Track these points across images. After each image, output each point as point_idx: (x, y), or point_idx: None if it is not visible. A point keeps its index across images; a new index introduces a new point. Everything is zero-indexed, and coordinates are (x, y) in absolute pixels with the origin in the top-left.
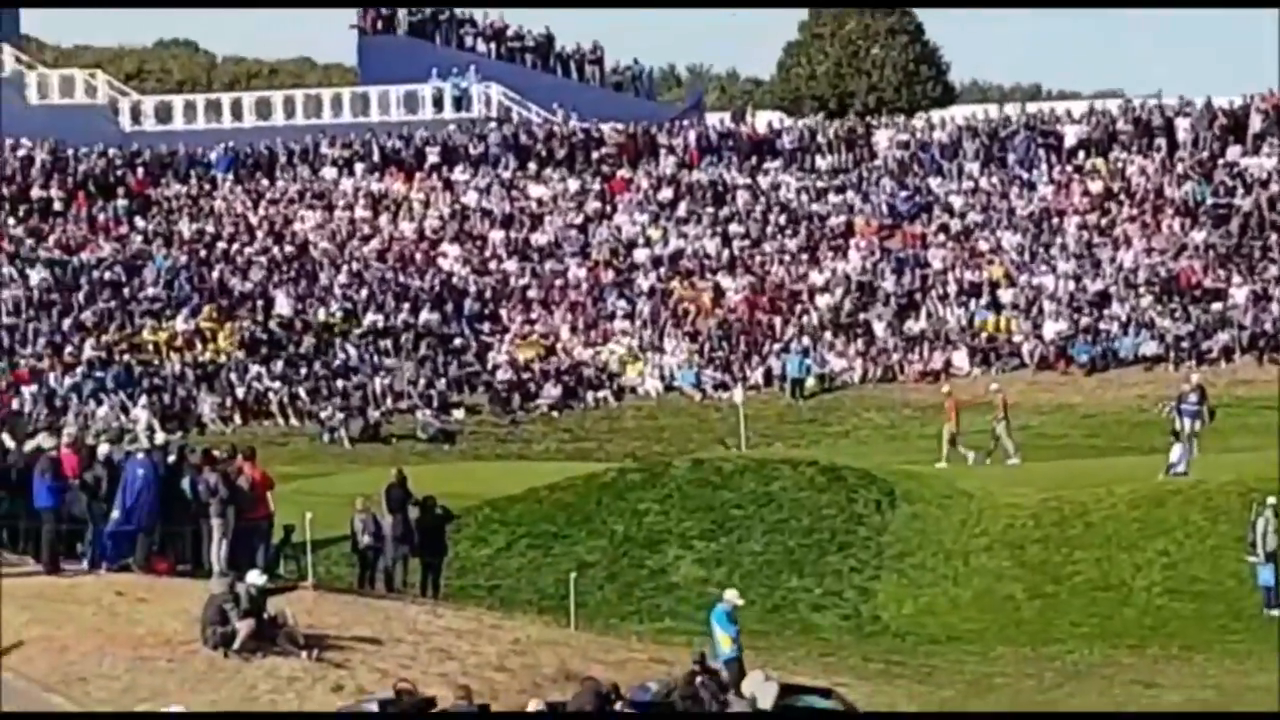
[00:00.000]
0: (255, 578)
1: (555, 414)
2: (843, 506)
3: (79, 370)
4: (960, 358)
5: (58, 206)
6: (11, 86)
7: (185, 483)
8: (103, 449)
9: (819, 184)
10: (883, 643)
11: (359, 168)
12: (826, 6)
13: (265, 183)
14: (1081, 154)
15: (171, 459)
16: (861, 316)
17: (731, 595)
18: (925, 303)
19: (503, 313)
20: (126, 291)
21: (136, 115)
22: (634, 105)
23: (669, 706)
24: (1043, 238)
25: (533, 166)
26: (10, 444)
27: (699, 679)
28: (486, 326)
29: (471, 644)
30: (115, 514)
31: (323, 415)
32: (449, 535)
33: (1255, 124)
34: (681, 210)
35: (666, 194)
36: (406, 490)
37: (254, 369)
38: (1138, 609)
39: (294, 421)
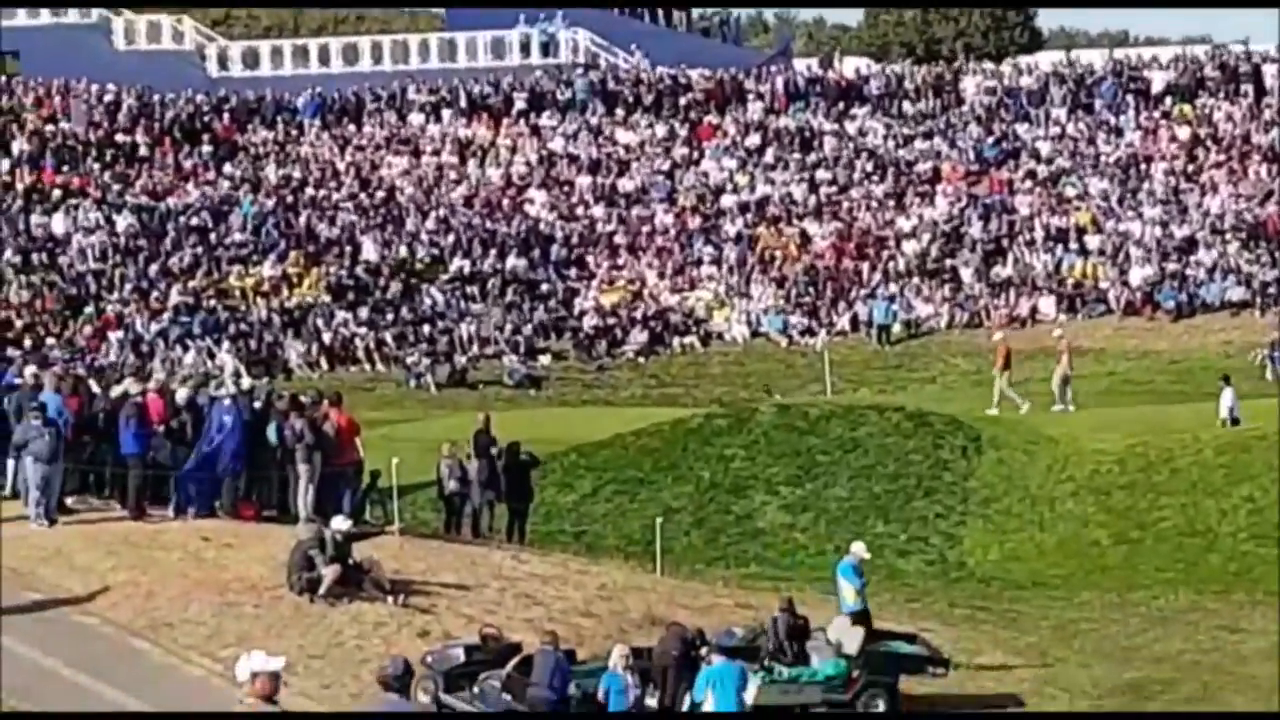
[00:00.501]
0: (341, 523)
1: (641, 360)
2: (928, 452)
3: (165, 316)
4: (1047, 304)
5: (144, 152)
6: (98, 32)
7: (271, 428)
8: (188, 394)
9: (906, 130)
10: (968, 588)
11: (446, 113)
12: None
13: (352, 128)
14: (1168, 100)
15: (258, 405)
16: (948, 263)
17: (859, 548)
18: (1012, 249)
19: (589, 258)
20: (213, 237)
21: (223, 61)
22: (721, 51)
23: (754, 650)
24: (1129, 184)
25: (620, 112)
26: (96, 390)
27: (783, 621)
28: (573, 272)
29: (557, 589)
30: (201, 460)
31: (409, 361)
32: (534, 481)
33: None
34: (769, 156)
35: (754, 140)
36: (491, 436)
37: (340, 314)
38: (1223, 555)
39: (380, 367)
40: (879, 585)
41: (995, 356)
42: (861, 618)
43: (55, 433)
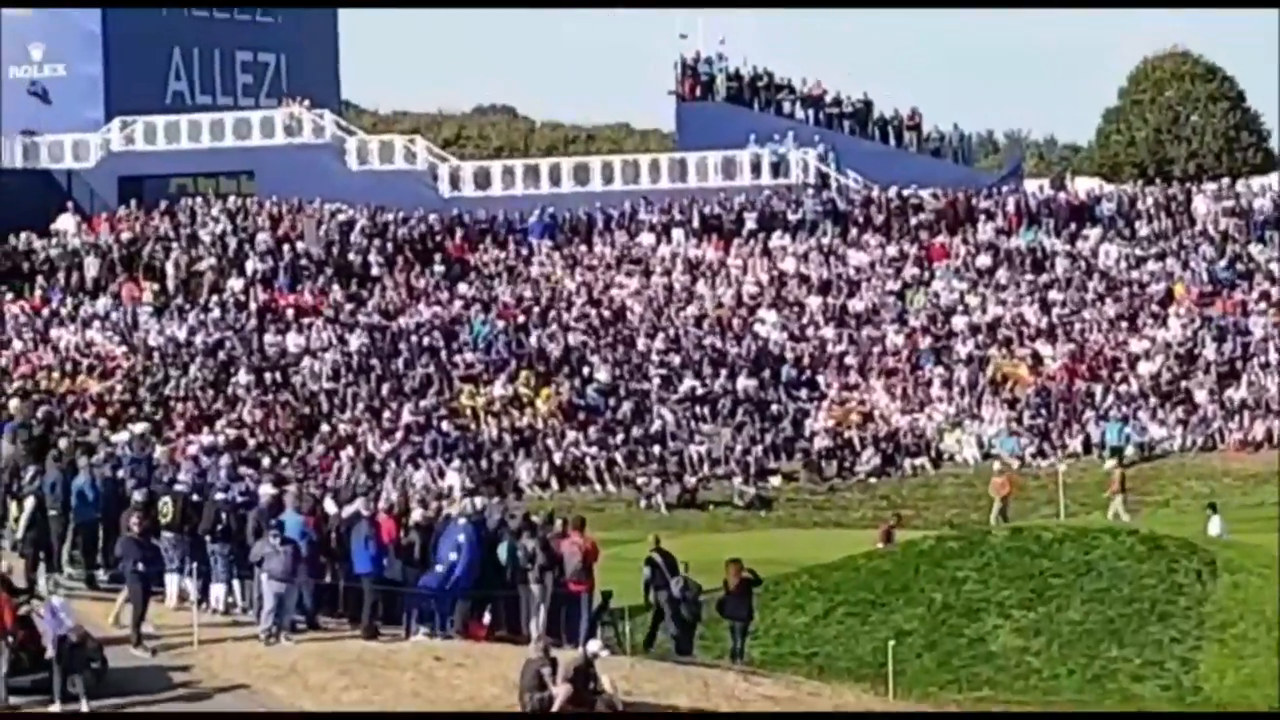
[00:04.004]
0: (595, 646)
1: (873, 481)
2: (1163, 576)
3: (397, 435)
4: None
5: (377, 271)
6: (332, 152)
7: (503, 548)
8: (420, 514)
9: (1138, 251)
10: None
11: (676, 233)
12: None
13: (583, 248)
14: None
15: (490, 524)
16: (1182, 384)
17: None
18: (1246, 371)
19: (820, 379)
20: (444, 356)
21: (455, 181)
22: (952, 171)
23: None
24: None
25: (851, 232)
26: (331, 509)
27: None
28: (804, 393)
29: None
30: (433, 579)
31: (639, 481)
32: (758, 601)
33: None
34: (1000, 277)
35: (985, 260)
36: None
37: (571, 434)
38: None
39: (610, 487)
40: (1113, 710)
41: (1110, 482)
42: None
43: (293, 551)
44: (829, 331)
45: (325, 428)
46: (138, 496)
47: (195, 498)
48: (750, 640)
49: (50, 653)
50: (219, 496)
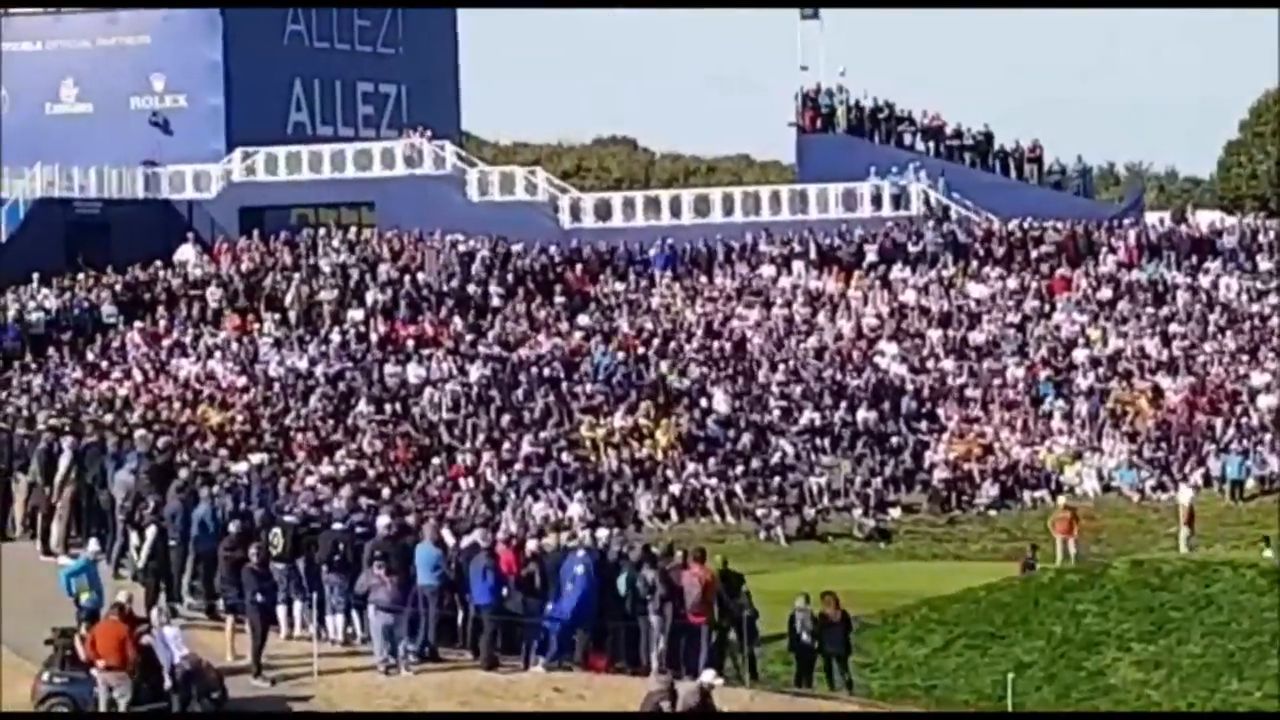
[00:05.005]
0: (709, 677)
1: (993, 513)
2: None
3: (516, 466)
4: None
5: (497, 303)
6: (452, 183)
7: (622, 579)
8: (535, 544)
9: (1259, 284)
10: None
11: (797, 265)
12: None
13: (703, 280)
14: None
15: (610, 556)
16: None
17: None
18: None
19: (940, 411)
20: (565, 388)
21: (576, 212)
22: (1072, 203)
23: None
24: None
25: (972, 264)
26: (450, 540)
27: None
28: (924, 425)
29: None
30: (554, 610)
31: (759, 513)
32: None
33: None
34: (1121, 310)
35: (1106, 293)
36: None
37: (691, 466)
38: None
39: (730, 519)
40: None
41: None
42: None
43: (398, 582)
44: (949, 364)
45: (436, 460)
46: (232, 528)
47: (310, 527)
48: (871, 673)
49: (160, 682)
50: (336, 527)
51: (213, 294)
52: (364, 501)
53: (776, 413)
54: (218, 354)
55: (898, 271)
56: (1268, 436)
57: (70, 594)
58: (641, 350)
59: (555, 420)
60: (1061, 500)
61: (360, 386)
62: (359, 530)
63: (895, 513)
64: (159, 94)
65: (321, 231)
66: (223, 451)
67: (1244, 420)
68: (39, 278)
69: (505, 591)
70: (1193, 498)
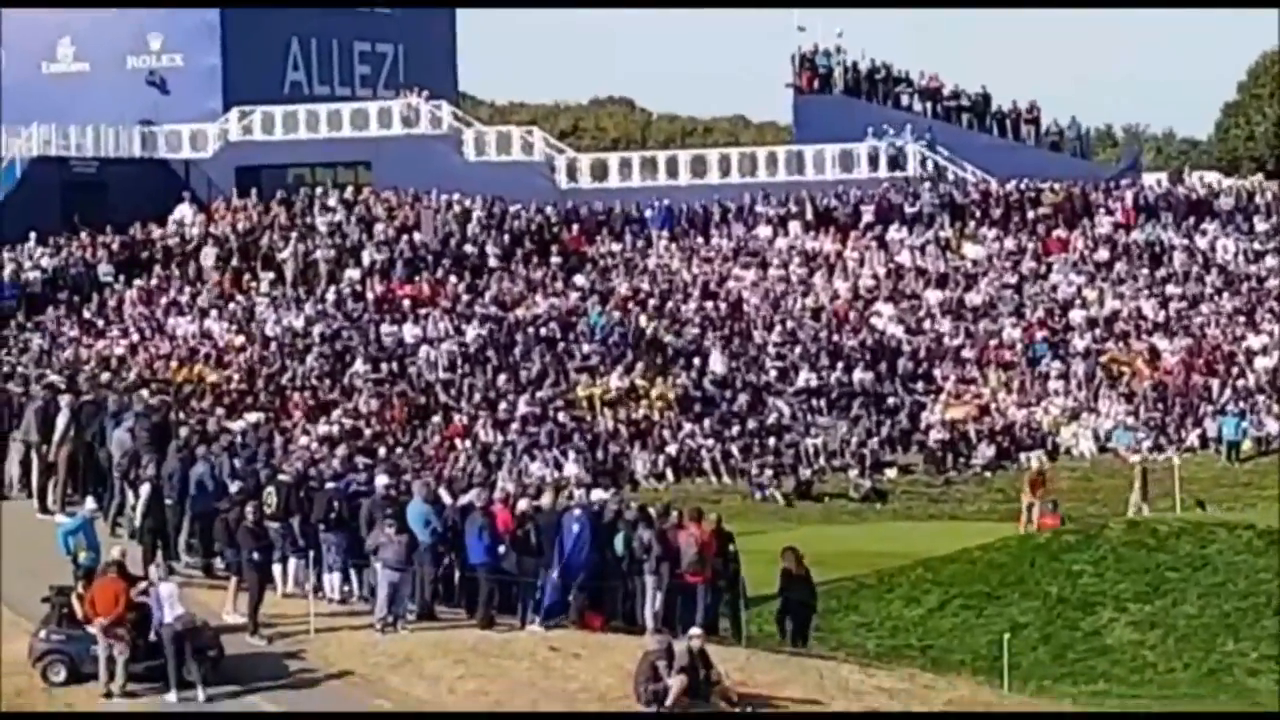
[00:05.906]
0: (696, 635)
1: (988, 474)
2: (1279, 570)
3: (513, 426)
4: None
5: (494, 263)
6: (449, 143)
7: (619, 539)
8: (527, 504)
9: (1257, 245)
10: None
11: (794, 226)
12: None
13: (700, 240)
14: None
15: (607, 516)
16: None
17: None
18: None
19: (936, 372)
20: (561, 348)
21: (572, 172)
22: (1070, 165)
23: None
24: None
25: (969, 225)
26: (446, 499)
27: None
28: (920, 386)
29: (904, 704)
30: (550, 570)
31: (754, 473)
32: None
33: None
34: (1118, 271)
35: (1103, 254)
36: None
37: (687, 426)
38: None
39: (726, 479)
40: (1229, 704)
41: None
42: None
43: (408, 541)
44: (945, 324)
45: (433, 420)
46: (232, 488)
47: (307, 486)
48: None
49: (155, 639)
50: (331, 485)
51: (209, 253)
52: (360, 461)
53: (773, 373)
54: (214, 313)
55: (894, 232)
56: (1264, 398)
57: (68, 552)
58: (637, 311)
59: (551, 380)
60: (1034, 461)
61: (357, 346)
62: (355, 489)
63: (891, 473)
64: (156, 53)
65: (318, 191)
66: (220, 410)
67: (1240, 382)
68: (35, 237)
69: (501, 551)
70: (1142, 459)
